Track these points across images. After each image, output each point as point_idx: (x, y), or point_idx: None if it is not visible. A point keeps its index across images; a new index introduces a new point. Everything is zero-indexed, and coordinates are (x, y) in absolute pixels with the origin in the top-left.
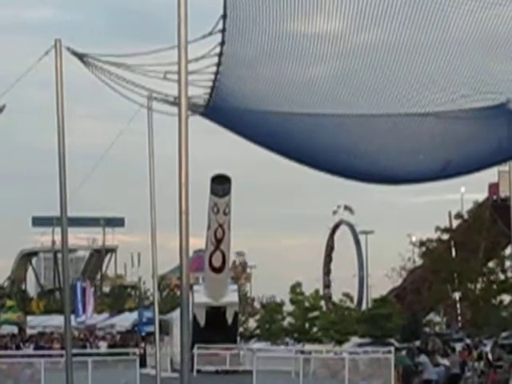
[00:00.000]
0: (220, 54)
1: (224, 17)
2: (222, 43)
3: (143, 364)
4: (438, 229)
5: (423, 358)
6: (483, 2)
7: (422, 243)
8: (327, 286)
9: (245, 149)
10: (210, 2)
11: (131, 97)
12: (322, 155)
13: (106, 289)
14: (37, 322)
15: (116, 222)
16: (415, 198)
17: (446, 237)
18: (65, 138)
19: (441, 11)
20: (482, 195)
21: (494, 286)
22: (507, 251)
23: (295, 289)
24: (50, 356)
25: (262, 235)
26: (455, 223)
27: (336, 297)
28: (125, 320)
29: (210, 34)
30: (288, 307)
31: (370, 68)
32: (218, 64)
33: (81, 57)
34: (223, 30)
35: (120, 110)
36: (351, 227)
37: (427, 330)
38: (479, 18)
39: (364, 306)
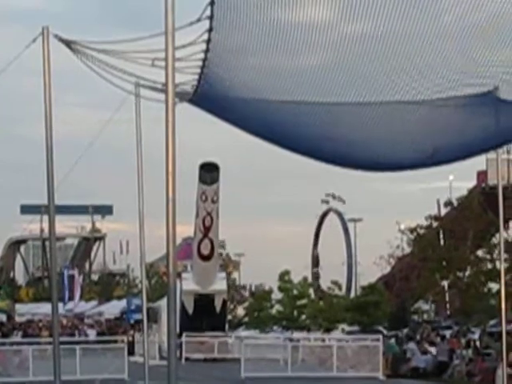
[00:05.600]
0: (208, 41)
1: (212, 3)
2: (210, 30)
3: (131, 352)
4: (429, 217)
5: (412, 346)
6: None
7: (411, 230)
8: (316, 276)
9: (233, 136)
10: None
11: (119, 84)
12: (310, 143)
13: (95, 276)
14: (25, 310)
15: (104, 210)
16: (404, 186)
17: (435, 224)
18: (52, 125)
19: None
20: (470, 183)
21: (483, 275)
22: (495, 240)
23: (283, 276)
24: (38, 344)
25: (250, 223)
26: (445, 211)
27: (324, 284)
28: (113, 308)
29: (198, 20)
30: (276, 295)
31: (359, 58)
32: (206, 51)
33: (68, 44)
34: (211, 17)
35: (108, 97)
36: (340, 215)
37: (415, 317)
38: (467, 6)
39: (353, 294)
